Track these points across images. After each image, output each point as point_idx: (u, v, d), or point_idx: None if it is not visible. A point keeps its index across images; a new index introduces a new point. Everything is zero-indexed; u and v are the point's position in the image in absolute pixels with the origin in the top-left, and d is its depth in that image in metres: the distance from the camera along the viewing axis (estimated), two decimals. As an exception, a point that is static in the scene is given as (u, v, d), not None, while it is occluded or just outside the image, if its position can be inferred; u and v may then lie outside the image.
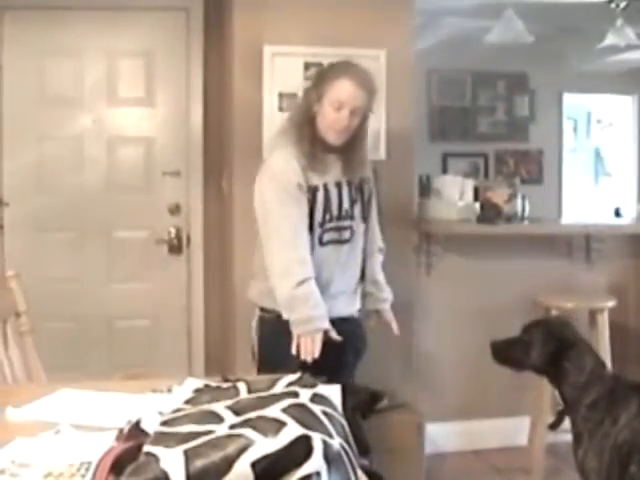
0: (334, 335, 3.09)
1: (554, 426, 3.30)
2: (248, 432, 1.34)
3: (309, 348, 3.05)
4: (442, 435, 4.65)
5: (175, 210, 4.80)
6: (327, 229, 3.24)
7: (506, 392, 4.66)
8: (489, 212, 4.38)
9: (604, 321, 4.36)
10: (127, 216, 4.78)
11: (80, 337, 4.69)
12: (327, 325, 3.09)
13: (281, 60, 4.21)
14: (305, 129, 3.22)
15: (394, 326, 3.50)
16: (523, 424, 4.56)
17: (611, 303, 4.41)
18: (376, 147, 4.24)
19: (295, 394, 1.54)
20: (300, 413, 1.44)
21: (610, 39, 5.58)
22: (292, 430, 1.36)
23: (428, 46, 6.76)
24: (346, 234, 3.30)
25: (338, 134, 3.20)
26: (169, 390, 2.14)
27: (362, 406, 2.56)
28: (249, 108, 4.22)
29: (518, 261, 4.73)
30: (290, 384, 1.63)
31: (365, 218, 3.39)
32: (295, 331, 3.08)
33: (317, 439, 1.35)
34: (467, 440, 4.75)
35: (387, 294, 3.54)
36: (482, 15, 6.35)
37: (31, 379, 2.83)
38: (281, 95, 4.22)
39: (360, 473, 1.53)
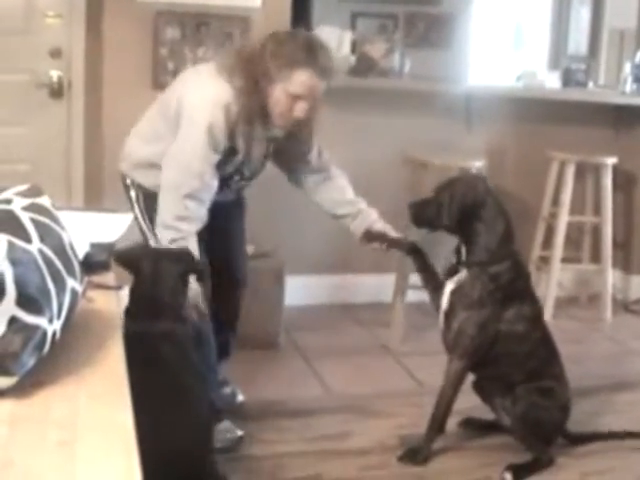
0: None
1: (449, 274, 3.24)
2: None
3: None
4: (309, 288, 4.73)
5: (56, 54, 4.68)
6: (235, 181, 3.18)
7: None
8: (362, 65, 4.34)
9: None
10: (6, 59, 4.62)
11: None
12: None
13: None
14: (253, 99, 2.85)
15: (390, 233, 3.33)
16: (389, 281, 4.60)
17: (479, 163, 4.45)
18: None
19: (8, 201, 1.55)
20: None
21: None
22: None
23: None
24: (251, 181, 3.26)
25: (289, 123, 2.95)
26: None
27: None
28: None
29: (395, 118, 4.73)
30: (16, 193, 1.63)
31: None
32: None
33: (2, 240, 1.37)
34: (334, 294, 4.85)
35: (363, 204, 3.40)
36: None
37: None
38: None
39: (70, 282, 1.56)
